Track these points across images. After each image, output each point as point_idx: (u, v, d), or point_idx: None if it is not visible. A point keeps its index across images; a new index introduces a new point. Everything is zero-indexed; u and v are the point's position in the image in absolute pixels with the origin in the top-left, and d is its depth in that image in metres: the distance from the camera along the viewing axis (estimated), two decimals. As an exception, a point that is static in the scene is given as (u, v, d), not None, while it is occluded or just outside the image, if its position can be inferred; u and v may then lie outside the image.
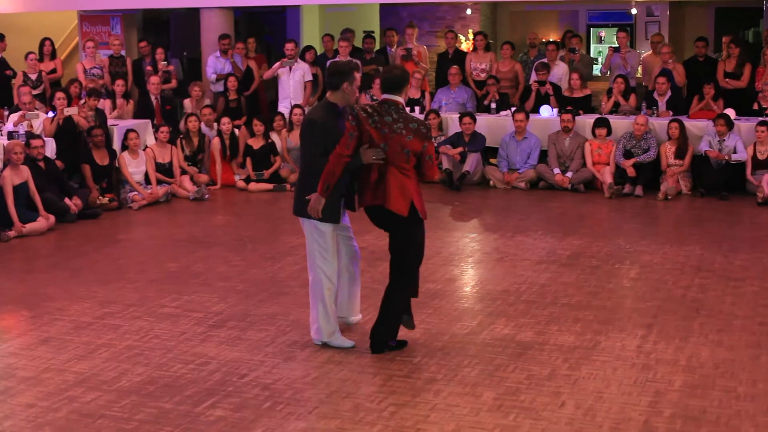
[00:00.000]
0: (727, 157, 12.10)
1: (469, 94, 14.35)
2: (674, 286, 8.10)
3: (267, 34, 19.16)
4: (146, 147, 12.85)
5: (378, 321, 6.48)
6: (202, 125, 13.41)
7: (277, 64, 14.45)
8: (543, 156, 13.13)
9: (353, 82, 6.45)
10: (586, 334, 6.85)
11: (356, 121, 6.26)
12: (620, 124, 13.01)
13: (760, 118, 12.40)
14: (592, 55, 18.41)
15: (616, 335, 6.82)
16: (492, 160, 13.50)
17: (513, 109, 13.48)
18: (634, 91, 13.97)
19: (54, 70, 14.99)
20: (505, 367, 6.21)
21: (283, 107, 14.30)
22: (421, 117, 13.77)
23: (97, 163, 12.03)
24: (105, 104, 13.67)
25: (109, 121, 13.10)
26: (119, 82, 14.13)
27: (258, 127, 13.31)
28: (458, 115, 13.47)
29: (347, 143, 6.23)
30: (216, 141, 13.33)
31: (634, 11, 18.19)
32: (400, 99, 6.41)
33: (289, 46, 14.47)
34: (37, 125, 12.15)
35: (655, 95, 13.46)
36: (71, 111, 12.35)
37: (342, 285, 6.74)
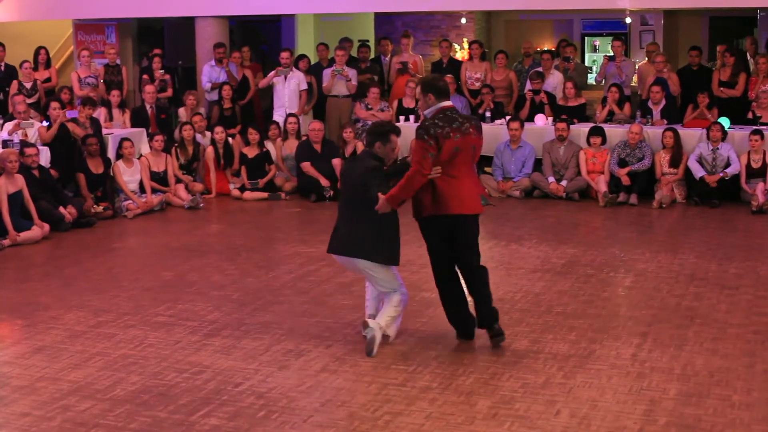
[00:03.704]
0: (723, 174, 12.10)
1: (463, 103, 14.35)
2: (669, 295, 8.11)
3: (262, 43, 19.18)
4: (141, 156, 12.85)
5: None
6: (196, 133, 13.41)
7: (273, 73, 14.46)
8: (537, 164, 13.15)
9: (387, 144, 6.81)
10: (580, 342, 6.85)
11: (435, 140, 6.49)
12: (615, 132, 13.03)
13: (754, 127, 12.43)
14: (586, 64, 18.47)
15: (610, 344, 6.82)
16: (487, 169, 13.51)
17: (507, 117, 13.50)
18: (628, 99, 14.01)
19: (49, 79, 14.99)
20: (500, 375, 6.20)
21: (278, 116, 14.31)
22: (416, 126, 13.78)
23: (92, 172, 12.02)
24: (100, 113, 13.67)
25: (104, 130, 13.10)
26: (114, 92, 14.14)
27: (253, 135, 13.31)
28: (453, 124, 13.46)
29: (427, 163, 6.49)
30: (210, 150, 13.33)
31: (628, 20, 18.25)
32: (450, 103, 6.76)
33: (284, 55, 14.48)
34: (32, 134, 12.15)
35: (650, 104, 13.49)
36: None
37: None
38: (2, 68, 14.79)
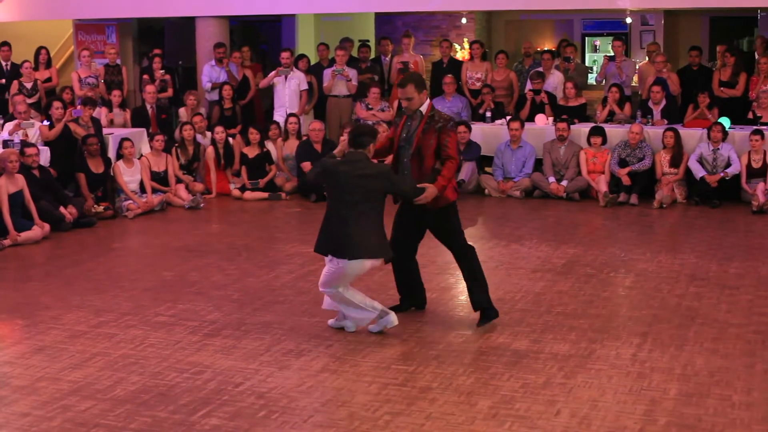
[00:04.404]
0: (723, 174, 12.11)
1: (464, 103, 14.37)
2: (669, 295, 8.11)
3: (262, 42, 19.19)
4: (141, 156, 12.85)
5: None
6: (196, 134, 13.41)
7: (273, 73, 14.46)
8: (538, 164, 13.15)
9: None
10: (581, 342, 6.85)
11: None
12: (615, 132, 13.03)
13: (754, 127, 12.43)
14: (587, 64, 18.47)
15: (611, 344, 6.82)
16: (487, 169, 13.51)
17: (508, 117, 13.51)
18: (629, 99, 14.01)
19: (49, 79, 15.00)
20: (500, 375, 6.20)
21: (279, 116, 14.31)
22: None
23: (93, 172, 12.02)
24: (100, 113, 13.68)
25: (104, 130, 13.11)
26: (116, 92, 14.15)
27: (253, 135, 13.31)
28: (453, 124, 13.46)
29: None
30: (210, 150, 13.33)
31: (628, 20, 18.24)
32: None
33: (284, 55, 14.48)
34: (32, 134, 12.15)
35: (650, 104, 13.49)
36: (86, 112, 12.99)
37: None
38: (8, 67, 14.81)
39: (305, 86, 14.54)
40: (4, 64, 14.89)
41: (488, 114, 13.91)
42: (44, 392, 6.01)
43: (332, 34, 17.21)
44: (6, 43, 14.96)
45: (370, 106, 14.17)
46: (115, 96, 14.07)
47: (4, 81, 14.62)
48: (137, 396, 5.93)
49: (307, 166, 12.96)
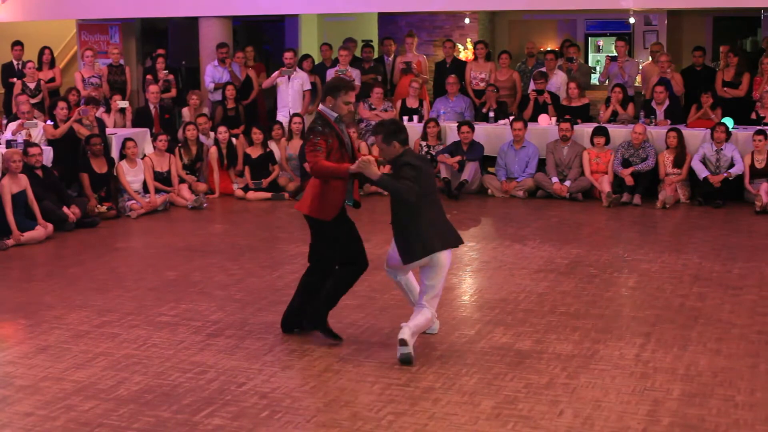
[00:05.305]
0: (726, 174, 12.10)
1: (467, 103, 14.36)
2: (672, 295, 8.10)
3: (265, 43, 19.20)
4: (144, 156, 12.86)
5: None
6: (200, 134, 13.42)
7: (276, 73, 14.46)
8: (541, 164, 13.14)
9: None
10: (584, 342, 6.85)
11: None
12: (618, 133, 13.03)
13: (758, 127, 12.42)
14: (590, 64, 18.46)
15: (614, 344, 6.81)
16: (490, 169, 13.51)
17: (511, 117, 13.50)
18: (632, 100, 13.99)
19: (53, 79, 15.01)
20: (503, 375, 6.20)
21: (282, 116, 14.32)
22: (420, 126, 13.80)
23: (96, 172, 12.03)
24: (102, 114, 13.69)
25: (108, 130, 13.12)
26: (116, 97, 14.17)
27: (257, 135, 13.32)
28: (456, 124, 13.49)
29: None
30: (213, 150, 13.34)
31: (632, 20, 18.24)
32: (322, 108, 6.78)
33: (287, 55, 14.48)
34: (36, 134, 12.16)
35: (653, 104, 13.48)
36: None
37: None
38: (20, 66, 14.81)
39: (308, 86, 14.54)
40: (16, 63, 14.92)
41: (491, 114, 13.91)
42: (47, 392, 6.01)
43: (335, 34, 17.21)
44: (19, 42, 14.97)
45: (373, 107, 14.18)
46: (115, 100, 14.09)
47: (15, 80, 14.60)
48: (140, 396, 5.93)
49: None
